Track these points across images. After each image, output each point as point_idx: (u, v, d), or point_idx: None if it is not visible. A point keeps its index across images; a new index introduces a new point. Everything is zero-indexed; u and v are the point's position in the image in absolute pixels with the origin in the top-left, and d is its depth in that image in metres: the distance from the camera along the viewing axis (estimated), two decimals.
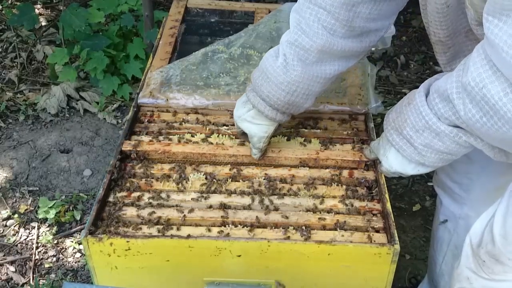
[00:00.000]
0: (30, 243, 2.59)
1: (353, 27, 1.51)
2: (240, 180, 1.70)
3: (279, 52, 1.58)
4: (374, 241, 1.52)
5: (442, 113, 1.32)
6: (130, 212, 1.59)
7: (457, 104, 1.26)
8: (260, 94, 1.62)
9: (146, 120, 1.91)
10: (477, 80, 1.17)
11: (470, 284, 1.56)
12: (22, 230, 2.64)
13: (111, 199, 1.63)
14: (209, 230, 1.54)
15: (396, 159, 1.52)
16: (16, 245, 2.58)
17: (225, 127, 1.89)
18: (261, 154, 1.74)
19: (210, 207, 1.62)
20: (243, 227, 1.56)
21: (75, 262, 2.53)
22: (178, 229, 1.54)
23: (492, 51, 1.12)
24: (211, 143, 1.80)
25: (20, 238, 2.61)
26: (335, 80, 2.04)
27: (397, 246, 1.48)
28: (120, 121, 3.23)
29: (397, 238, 1.50)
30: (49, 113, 3.23)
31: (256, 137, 1.69)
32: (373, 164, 1.72)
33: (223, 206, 1.61)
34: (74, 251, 2.57)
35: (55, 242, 2.59)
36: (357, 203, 1.63)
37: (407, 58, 3.83)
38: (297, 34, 1.53)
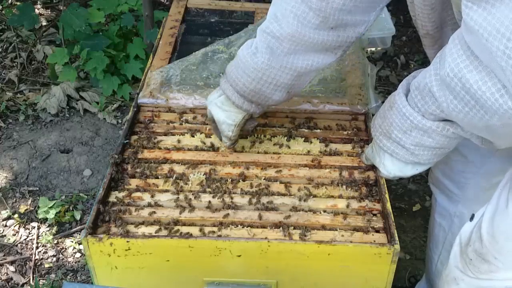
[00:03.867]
0: (30, 243, 2.59)
1: (327, 18, 1.47)
2: (240, 180, 1.70)
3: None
4: (374, 241, 1.52)
5: (426, 109, 1.31)
6: (130, 212, 1.59)
7: (439, 97, 1.25)
8: (229, 79, 1.63)
9: (146, 120, 1.91)
10: (455, 70, 1.16)
11: (456, 284, 1.56)
12: (22, 230, 2.64)
13: (111, 199, 1.64)
14: (209, 230, 1.54)
15: (393, 164, 1.52)
16: (16, 245, 2.58)
17: None
18: (232, 143, 1.73)
19: (210, 207, 1.62)
20: (243, 227, 1.56)
21: (75, 262, 2.53)
22: (178, 229, 1.54)
23: (471, 38, 1.10)
24: (211, 149, 1.80)
25: (20, 238, 2.61)
26: (335, 80, 2.04)
27: (397, 246, 1.48)
28: (120, 121, 3.23)
29: (397, 238, 1.50)
30: (49, 113, 3.23)
31: (224, 124, 1.68)
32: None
33: (223, 206, 1.61)
34: (74, 251, 2.57)
35: (55, 242, 2.59)
36: (357, 203, 1.63)
37: (407, 58, 3.83)
38: (270, 22, 1.53)
